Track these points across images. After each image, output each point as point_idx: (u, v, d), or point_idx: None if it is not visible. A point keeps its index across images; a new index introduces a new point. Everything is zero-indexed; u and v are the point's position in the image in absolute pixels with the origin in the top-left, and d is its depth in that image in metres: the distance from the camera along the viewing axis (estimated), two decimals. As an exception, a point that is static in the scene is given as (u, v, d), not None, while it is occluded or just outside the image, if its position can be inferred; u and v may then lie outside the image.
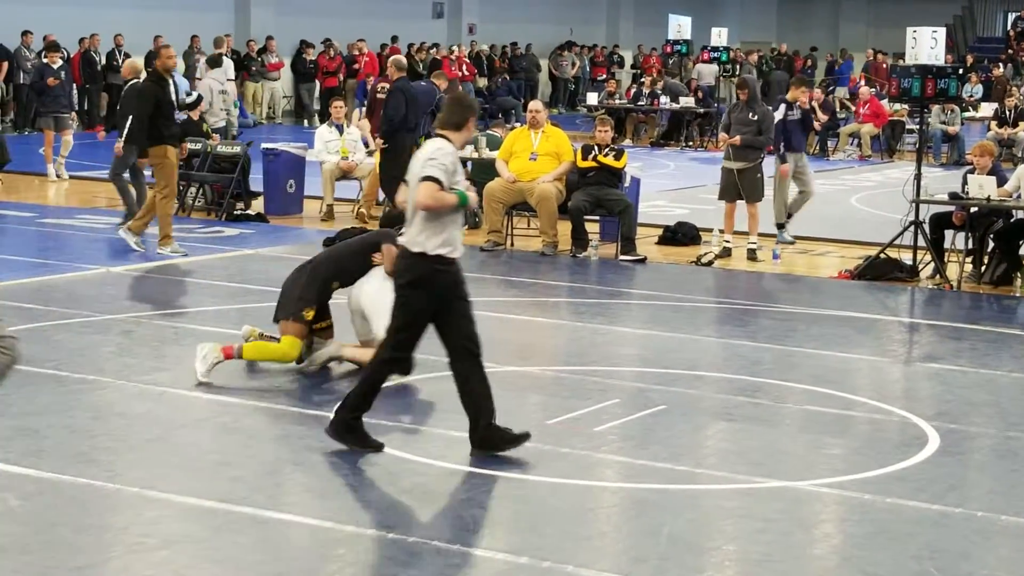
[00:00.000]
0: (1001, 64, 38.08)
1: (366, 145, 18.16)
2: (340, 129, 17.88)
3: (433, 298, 7.69)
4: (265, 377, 9.52)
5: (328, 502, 7.15)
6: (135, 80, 16.22)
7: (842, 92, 33.32)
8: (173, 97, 14.91)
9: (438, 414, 8.91)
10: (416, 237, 7.60)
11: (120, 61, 29.11)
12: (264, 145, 18.42)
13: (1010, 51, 42.22)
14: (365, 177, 17.58)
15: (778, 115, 16.20)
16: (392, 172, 16.47)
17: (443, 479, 7.54)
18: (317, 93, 33.59)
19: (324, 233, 15.83)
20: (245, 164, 17.63)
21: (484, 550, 6.45)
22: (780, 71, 38.37)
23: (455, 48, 36.15)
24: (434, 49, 35.97)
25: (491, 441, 7.82)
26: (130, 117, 15.44)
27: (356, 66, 33.39)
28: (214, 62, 20.57)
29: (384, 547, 6.46)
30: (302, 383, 9.47)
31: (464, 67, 34.74)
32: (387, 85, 19.28)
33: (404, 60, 17.51)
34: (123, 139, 15.80)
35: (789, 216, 16.48)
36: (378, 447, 7.81)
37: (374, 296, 9.59)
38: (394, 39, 36.12)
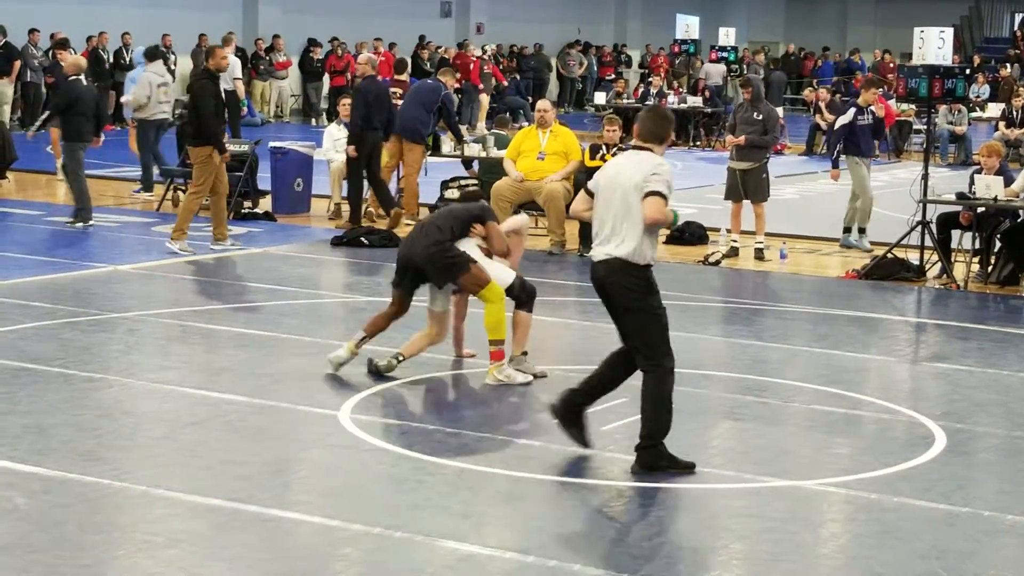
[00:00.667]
0: (1008, 64, 38.02)
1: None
2: (348, 127, 17.87)
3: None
4: (271, 375, 9.53)
5: (335, 501, 7.15)
6: (77, 78, 16.24)
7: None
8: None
9: (444, 413, 8.91)
10: (641, 249, 7.68)
11: (128, 59, 29.17)
12: (272, 144, 18.43)
13: (1017, 51, 42.16)
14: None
15: (844, 119, 16.13)
16: (356, 170, 16.53)
17: (449, 478, 7.54)
18: (325, 92, 33.64)
19: (332, 232, 15.85)
20: (253, 163, 17.65)
21: (492, 549, 6.45)
22: (779, 72, 38.34)
23: (487, 48, 36.08)
24: (441, 48, 35.98)
25: (572, 419, 7.92)
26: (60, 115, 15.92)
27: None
28: (152, 55, 20.56)
29: (390, 546, 6.47)
30: (309, 382, 9.47)
31: (472, 66, 34.72)
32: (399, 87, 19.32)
33: (375, 58, 17.61)
34: (64, 137, 16.00)
35: (861, 231, 16.25)
36: (690, 467, 7.74)
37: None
38: (422, 39, 36.03)
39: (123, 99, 19.32)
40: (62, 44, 21.87)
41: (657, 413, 7.68)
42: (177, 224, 14.48)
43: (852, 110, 16.21)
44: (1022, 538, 6.86)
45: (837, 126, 16.31)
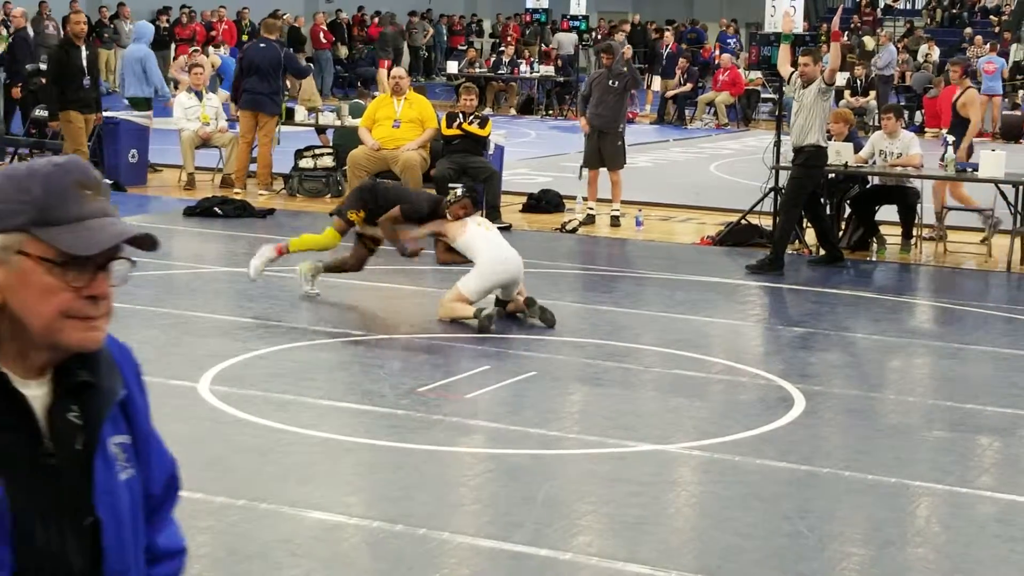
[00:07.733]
0: (851, 33, 38.66)
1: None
2: (199, 96, 17.57)
3: None
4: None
5: (198, 473, 6.98)
6: None
7: None
8: None
9: (306, 383, 8.81)
10: None
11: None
12: (104, 113, 17.68)
13: (858, 20, 42.83)
14: (226, 146, 17.29)
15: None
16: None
17: (314, 448, 7.46)
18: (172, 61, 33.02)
19: (185, 202, 15.58)
20: (101, 132, 17.20)
21: (359, 519, 6.39)
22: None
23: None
24: (287, 16, 35.52)
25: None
26: None
27: (213, 33, 32.88)
28: None
29: (256, 518, 6.38)
30: (165, 355, 9.32)
31: (322, 35, 34.38)
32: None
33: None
34: None
35: None
36: None
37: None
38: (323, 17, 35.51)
39: None
40: None
41: None
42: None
43: None
44: (881, 497, 6.97)
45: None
